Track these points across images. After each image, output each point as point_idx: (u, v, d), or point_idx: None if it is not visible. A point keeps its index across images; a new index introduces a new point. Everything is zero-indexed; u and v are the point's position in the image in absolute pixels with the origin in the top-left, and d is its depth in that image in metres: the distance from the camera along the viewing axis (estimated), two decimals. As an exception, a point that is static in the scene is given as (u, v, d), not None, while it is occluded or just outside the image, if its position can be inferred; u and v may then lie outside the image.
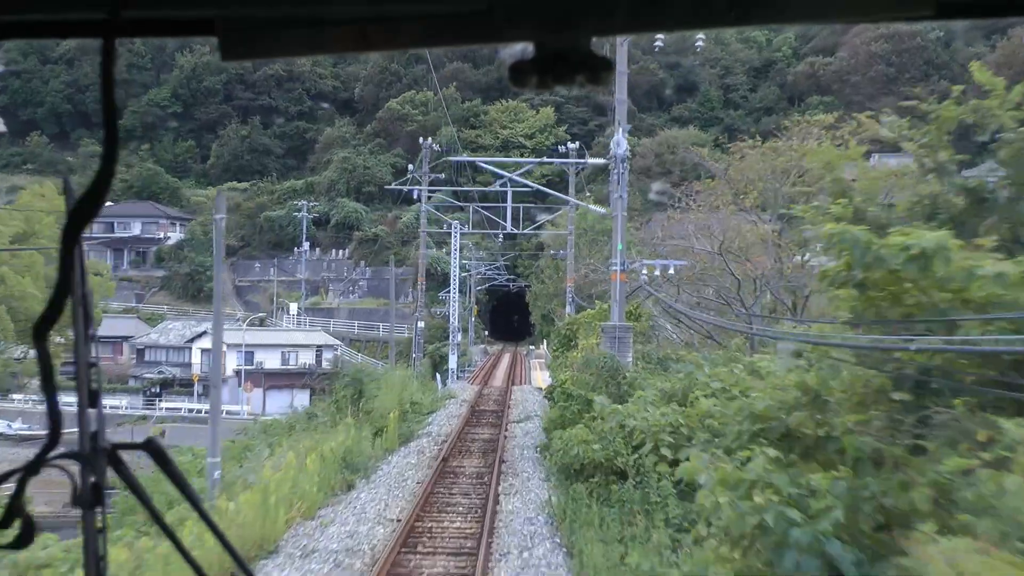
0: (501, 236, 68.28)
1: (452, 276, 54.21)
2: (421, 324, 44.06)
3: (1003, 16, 1.22)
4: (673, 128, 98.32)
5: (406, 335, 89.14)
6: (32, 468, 1.18)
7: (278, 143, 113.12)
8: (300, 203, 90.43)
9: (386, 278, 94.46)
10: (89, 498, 1.22)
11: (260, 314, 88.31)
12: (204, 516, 1.31)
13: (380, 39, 1.15)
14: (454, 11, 1.12)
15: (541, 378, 49.06)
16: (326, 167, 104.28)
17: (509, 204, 48.13)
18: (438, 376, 50.57)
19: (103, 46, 1.11)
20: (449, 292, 55.44)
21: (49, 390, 1.18)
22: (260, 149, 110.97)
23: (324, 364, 78.98)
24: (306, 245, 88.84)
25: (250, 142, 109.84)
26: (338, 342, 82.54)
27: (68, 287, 1.15)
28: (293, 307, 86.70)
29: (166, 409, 72.55)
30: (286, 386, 72.76)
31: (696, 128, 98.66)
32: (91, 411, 1.24)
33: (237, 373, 75.82)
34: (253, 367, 75.91)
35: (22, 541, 1.20)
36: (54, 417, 1.19)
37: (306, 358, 77.86)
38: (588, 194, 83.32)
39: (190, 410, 71.15)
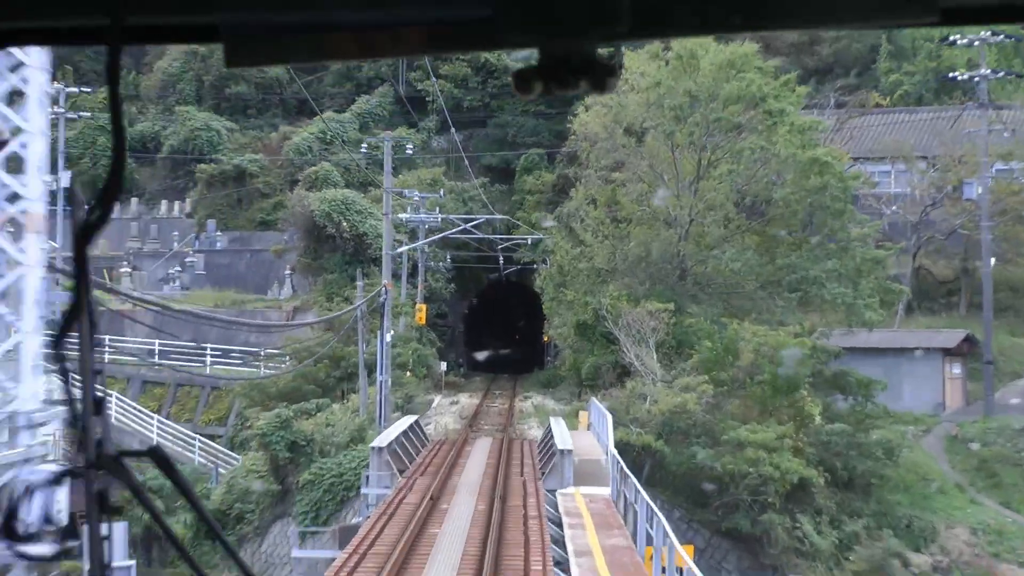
0: None
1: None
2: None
3: (1007, 22, 1.21)
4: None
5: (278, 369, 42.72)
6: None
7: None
8: (57, 86, 44.16)
9: (254, 249, 48.68)
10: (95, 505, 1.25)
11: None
12: (208, 521, 1.32)
13: (384, 45, 1.16)
14: (458, 17, 1.12)
15: None
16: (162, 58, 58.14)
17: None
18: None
19: (108, 53, 1.12)
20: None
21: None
22: (65, 38, 64.65)
23: (25, 445, 33.09)
24: (64, 176, 42.31)
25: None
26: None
27: (85, 300, 1.18)
28: (33, 309, 40.04)
29: None
30: None
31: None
32: (95, 419, 1.26)
33: None
34: None
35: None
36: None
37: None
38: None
39: None
